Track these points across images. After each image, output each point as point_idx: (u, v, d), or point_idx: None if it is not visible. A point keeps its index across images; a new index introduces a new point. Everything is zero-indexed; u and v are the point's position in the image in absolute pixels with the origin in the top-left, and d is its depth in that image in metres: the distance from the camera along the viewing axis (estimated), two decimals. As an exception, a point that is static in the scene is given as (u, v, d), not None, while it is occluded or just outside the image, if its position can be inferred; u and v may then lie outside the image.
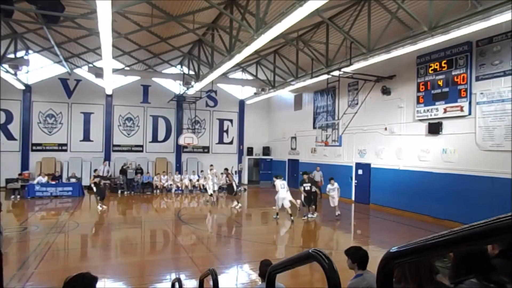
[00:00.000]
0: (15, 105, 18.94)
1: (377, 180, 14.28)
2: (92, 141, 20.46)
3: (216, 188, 16.27)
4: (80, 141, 20.24)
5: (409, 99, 12.71)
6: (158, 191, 18.71)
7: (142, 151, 21.42)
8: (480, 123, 10.23)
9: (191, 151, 22.15)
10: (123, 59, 18.16)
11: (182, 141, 20.35)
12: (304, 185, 11.98)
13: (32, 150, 19.28)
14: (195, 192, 19.10)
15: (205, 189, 16.58)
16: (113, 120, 20.87)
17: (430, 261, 1.99)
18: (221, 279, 4.46)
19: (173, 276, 6.45)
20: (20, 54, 16.02)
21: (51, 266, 7.11)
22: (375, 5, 10.70)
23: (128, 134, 21.26)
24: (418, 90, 12.16)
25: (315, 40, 13.87)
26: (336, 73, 13.31)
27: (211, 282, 3.39)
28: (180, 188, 19.06)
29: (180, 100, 21.41)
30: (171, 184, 19.02)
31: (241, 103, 23.79)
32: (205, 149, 22.81)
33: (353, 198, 15.59)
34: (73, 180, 17.38)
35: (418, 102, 12.20)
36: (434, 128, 11.58)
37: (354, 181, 15.62)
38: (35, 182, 16.27)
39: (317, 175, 15.51)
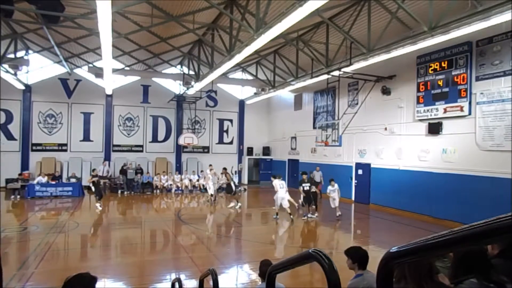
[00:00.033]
0: (15, 105, 18.95)
1: (377, 180, 14.28)
2: (92, 141, 20.46)
3: (216, 187, 16.28)
4: (80, 141, 20.25)
5: (409, 99, 12.71)
6: (158, 191, 18.71)
7: (142, 151, 21.42)
8: (480, 123, 10.23)
9: (191, 151, 22.15)
10: (123, 59, 18.17)
11: (182, 141, 20.35)
12: (303, 185, 11.99)
13: (32, 150, 19.29)
14: (195, 192, 19.10)
15: (205, 189, 16.60)
16: (113, 120, 20.87)
17: (430, 261, 1.99)
18: (221, 279, 4.46)
19: (173, 276, 6.45)
20: (20, 54, 16.03)
21: (51, 266, 7.10)
22: (375, 5, 10.70)
23: (128, 134, 21.26)
24: (418, 90, 12.16)
25: (315, 40, 13.87)
26: (336, 73, 13.31)
27: (211, 282, 3.39)
28: (180, 188, 19.07)
29: (180, 100, 21.41)
30: (171, 184, 19.02)
31: (241, 103, 23.79)
32: (205, 149, 22.81)
33: (353, 198, 15.59)
34: (73, 180, 17.38)
35: (418, 102, 12.21)
36: (434, 128, 11.58)
37: (354, 181, 15.62)
38: (35, 182, 16.27)
39: (317, 175, 15.51)
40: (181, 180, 19.51)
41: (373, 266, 2.17)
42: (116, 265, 7.48)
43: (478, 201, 9.92)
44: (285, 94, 20.92)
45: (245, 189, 20.48)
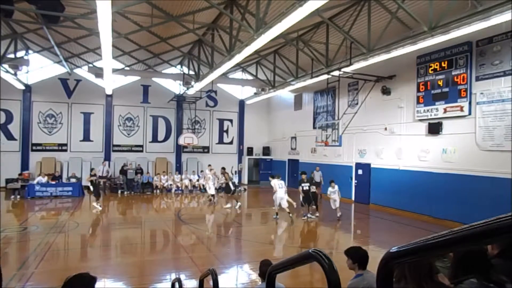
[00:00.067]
0: (15, 105, 18.95)
1: (377, 180, 14.28)
2: (92, 141, 20.47)
3: (216, 187, 16.29)
4: (80, 141, 20.25)
5: (409, 99, 12.71)
6: (158, 191, 18.71)
7: (142, 151, 21.42)
8: (480, 123, 10.23)
9: (191, 151, 22.16)
10: (123, 59, 18.17)
11: (182, 141, 20.35)
12: (303, 184, 12.00)
13: (32, 150, 19.29)
14: (195, 192, 19.10)
15: (205, 189, 16.60)
16: (113, 120, 20.87)
17: (430, 261, 1.99)
18: (221, 279, 4.46)
19: (173, 276, 6.45)
20: (20, 54, 16.03)
21: (51, 266, 7.10)
22: (375, 5, 10.70)
23: (128, 134, 21.27)
24: (418, 90, 12.16)
25: (315, 40, 13.87)
26: (336, 73, 13.31)
27: (211, 282, 3.39)
28: (180, 188, 19.06)
29: (180, 100, 21.41)
30: (171, 184, 19.01)
31: (241, 103, 23.79)
32: (205, 149, 22.81)
33: (353, 198, 15.59)
34: (73, 180, 17.38)
35: (418, 102, 12.21)
36: (434, 128, 11.58)
37: (354, 181, 15.62)
38: (35, 182, 16.27)
39: (317, 175, 15.50)
40: (181, 180, 19.51)
41: (373, 266, 2.17)
42: (116, 265, 7.48)
43: (478, 201, 9.92)
44: (285, 94, 20.92)
45: (245, 189, 20.48)
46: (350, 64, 12.28)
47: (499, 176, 9.52)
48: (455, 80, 10.88)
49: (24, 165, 18.89)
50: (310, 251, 1.59)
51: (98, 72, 15.85)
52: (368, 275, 3.34)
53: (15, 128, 19.03)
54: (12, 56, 14.93)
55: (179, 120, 22.10)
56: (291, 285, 5.48)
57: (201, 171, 20.53)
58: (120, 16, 11.95)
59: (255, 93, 21.32)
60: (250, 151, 23.58)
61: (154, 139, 21.73)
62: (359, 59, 11.83)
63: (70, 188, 16.70)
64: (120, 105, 20.99)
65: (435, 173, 11.54)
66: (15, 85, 17.19)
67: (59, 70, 19.31)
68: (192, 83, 17.31)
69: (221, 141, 23.45)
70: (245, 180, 23.16)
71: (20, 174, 17.30)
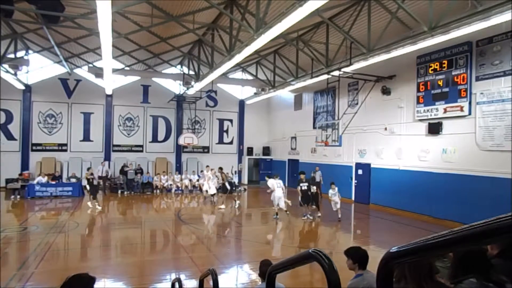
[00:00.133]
0: (15, 105, 18.95)
1: (377, 180, 14.28)
2: (92, 141, 20.47)
3: (217, 186, 16.27)
4: (80, 141, 20.25)
5: (409, 99, 12.71)
6: (158, 191, 18.71)
7: (142, 151, 21.42)
8: (480, 123, 10.23)
9: (191, 151, 22.16)
10: (123, 59, 18.17)
11: (182, 141, 20.36)
12: (301, 184, 12.00)
13: (32, 150, 19.29)
14: (195, 192, 19.09)
15: (201, 190, 16.55)
16: (113, 120, 20.87)
17: (430, 261, 1.99)
18: (221, 279, 4.46)
19: (173, 276, 6.45)
20: (20, 54, 16.03)
21: (51, 266, 7.11)
22: (375, 5, 10.70)
23: (128, 134, 21.27)
24: (418, 90, 12.16)
25: (315, 40, 13.87)
26: (336, 73, 13.31)
27: (211, 282, 3.39)
28: (180, 188, 19.06)
29: (180, 100, 21.41)
30: (171, 184, 19.01)
31: (241, 103, 23.79)
32: (205, 149, 22.81)
33: (353, 198, 15.59)
34: (73, 180, 17.37)
35: (418, 102, 12.21)
36: (434, 128, 11.58)
37: (354, 181, 15.62)
38: (35, 182, 16.27)
39: (317, 175, 15.51)
40: (181, 180, 19.50)
41: (373, 266, 2.17)
42: (116, 265, 7.48)
43: (478, 201, 9.92)
44: (285, 94, 20.92)
45: (245, 189, 20.48)
46: (350, 64, 12.28)
47: (499, 176, 9.52)
48: (455, 80, 10.88)
49: (24, 165, 18.89)
50: (310, 251, 1.59)
51: (98, 72, 15.85)
52: (368, 275, 3.34)
53: (15, 128, 19.04)
54: (12, 56, 14.93)
55: (179, 120, 22.11)
56: (291, 285, 5.48)
57: (201, 171, 20.50)
58: (120, 16, 11.95)
59: (255, 93, 21.32)
60: (250, 151, 23.58)
61: (154, 139, 21.73)
62: (359, 59, 11.83)
63: (70, 188, 16.70)
64: (120, 105, 21.00)
65: (435, 173, 11.54)
66: (15, 85, 17.19)
67: (59, 70, 19.32)
68: (192, 83, 17.31)
69: (221, 141, 23.45)
70: (245, 180, 23.16)
71: (20, 174, 17.30)
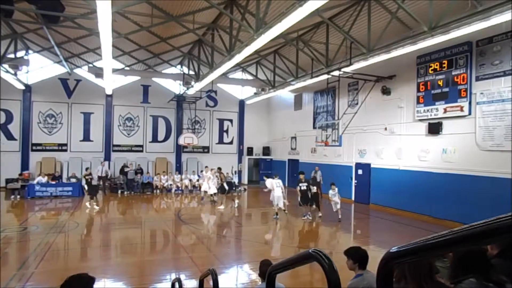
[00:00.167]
0: (15, 105, 18.95)
1: (377, 180, 14.27)
2: (92, 141, 20.47)
3: (217, 186, 16.28)
4: (80, 141, 20.25)
5: (409, 99, 12.71)
6: (158, 191, 18.70)
7: (142, 151, 21.42)
8: (480, 123, 10.23)
9: (191, 151, 22.16)
10: (123, 59, 18.17)
11: (182, 141, 20.36)
12: (300, 184, 12.00)
13: (32, 150, 19.29)
14: (195, 192, 19.08)
15: (199, 190, 16.56)
16: (113, 120, 20.87)
17: (430, 261, 1.99)
18: (221, 279, 4.46)
19: (173, 276, 6.45)
20: (20, 54, 16.03)
21: (51, 266, 7.11)
22: (375, 5, 10.70)
23: (128, 134, 21.27)
24: (418, 90, 12.16)
25: (315, 40, 13.87)
26: (336, 73, 13.31)
27: (211, 282, 3.39)
28: (180, 188, 19.06)
29: (180, 100, 21.41)
30: (171, 184, 19.01)
31: (241, 103, 23.79)
32: (205, 149, 22.81)
33: (353, 198, 15.59)
34: (73, 180, 17.38)
35: (418, 102, 12.21)
36: (434, 128, 11.58)
37: (354, 181, 15.61)
38: (35, 182, 16.27)
39: (317, 175, 15.51)
40: (181, 180, 19.50)
41: (373, 266, 2.17)
42: (116, 265, 7.48)
43: (478, 201, 9.92)
44: (285, 94, 20.92)
45: (245, 189, 20.48)
46: (350, 64, 12.28)
47: (499, 176, 9.52)
48: (455, 80, 10.88)
49: (24, 165, 18.89)
50: (310, 251, 1.59)
51: (98, 72, 15.85)
52: (368, 275, 3.34)
53: (15, 128, 19.03)
54: (12, 56, 14.93)
55: (179, 120, 22.11)
56: (291, 285, 5.48)
57: (201, 171, 20.51)
58: (120, 16, 11.95)
59: (255, 93, 21.32)
60: (250, 151, 23.58)
61: (154, 139, 21.73)
62: (359, 59, 11.83)
63: (70, 188, 16.71)
64: (120, 105, 21.00)
65: (435, 173, 11.54)
66: (15, 85, 17.19)
67: (59, 70, 19.32)
68: (192, 83, 17.31)
69: (221, 141, 23.45)
70: (245, 180, 23.16)
71: (20, 174, 17.31)
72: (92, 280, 2.24)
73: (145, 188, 18.80)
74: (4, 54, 14.48)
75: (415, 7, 10.10)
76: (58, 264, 7.46)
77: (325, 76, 13.98)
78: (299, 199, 12.18)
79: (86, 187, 14.34)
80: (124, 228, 11.16)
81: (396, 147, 13.29)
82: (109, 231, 10.68)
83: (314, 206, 12.27)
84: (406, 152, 12.84)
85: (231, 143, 23.67)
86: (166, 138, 21.98)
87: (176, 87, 21.09)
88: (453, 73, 10.96)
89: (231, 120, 23.62)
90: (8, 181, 16.76)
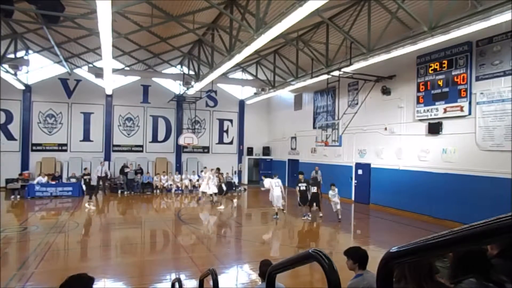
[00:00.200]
0: (15, 105, 18.95)
1: (377, 180, 14.27)
2: (92, 141, 20.46)
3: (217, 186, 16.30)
4: (80, 141, 20.25)
5: (409, 99, 12.71)
6: (158, 191, 18.70)
7: (142, 151, 21.42)
8: (480, 123, 10.23)
9: (191, 151, 22.16)
10: (123, 59, 18.17)
11: (182, 141, 20.35)
12: (300, 185, 12.00)
13: (32, 150, 19.29)
14: (195, 192, 19.06)
15: (198, 190, 16.58)
16: (113, 120, 20.87)
17: (430, 261, 1.99)
18: (221, 279, 4.46)
19: (173, 276, 6.45)
20: (20, 54, 16.03)
21: (51, 266, 7.11)
22: (375, 5, 10.70)
23: (128, 134, 21.26)
24: (418, 90, 12.16)
25: (315, 40, 13.87)
26: (336, 73, 13.31)
27: (211, 282, 3.39)
28: (180, 188, 19.06)
29: (180, 100, 21.41)
30: (171, 184, 19.01)
31: (241, 103, 23.79)
32: (205, 149, 22.81)
33: (353, 198, 15.59)
34: (73, 180, 17.37)
35: (418, 102, 12.21)
36: (434, 128, 11.58)
37: (354, 181, 15.61)
38: (35, 182, 16.27)
39: (318, 175, 15.51)
40: (181, 180, 19.50)
41: (373, 266, 2.17)
42: (116, 265, 7.48)
43: (478, 201, 9.92)
44: (285, 94, 20.91)
45: (245, 189, 20.48)
46: (350, 64, 12.28)
47: (499, 176, 9.52)
48: (455, 80, 10.89)
49: (24, 165, 18.89)
50: (310, 251, 1.59)
51: (98, 72, 15.85)
52: (368, 275, 3.34)
53: (15, 128, 19.03)
54: (12, 56, 14.92)
55: (179, 120, 22.10)
56: (291, 285, 5.48)
57: (201, 171, 20.51)
58: (120, 16, 11.95)
59: (255, 93, 21.32)
60: (250, 151, 23.57)
61: (154, 139, 21.73)
62: (359, 59, 11.83)
63: (70, 188, 16.70)
64: (120, 105, 20.99)
65: (435, 173, 11.54)
66: (15, 85, 17.19)
67: (59, 70, 19.31)
68: (192, 83, 17.31)
69: (221, 141, 23.45)
70: (245, 180, 23.15)
71: (20, 174, 17.31)
72: (91, 280, 2.24)
73: (145, 188, 18.80)
74: (4, 54, 14.48)
75: (415, 7, 10.10)
76: (58, 264, 7.46)
77: (325, 76, 13.98)
78: (298, 199, 12.18)
79: (84, 187, 14.39)
80: (124, 228, 11.17)
81: (396, 147, 13.29)
82: (109, 231, 10.68)
83: (315, 207, 12.22)
84: (406, 152, 12.84)
85: (231, 143, 23.66)
86: (166, 138, 21.98)
87: (176, 87, 21.09)
88: (453, 73, 10.96)
89: (231, 120, 23.62)
90: (8, 181, 16.76)
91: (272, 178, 12.62)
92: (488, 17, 7.97)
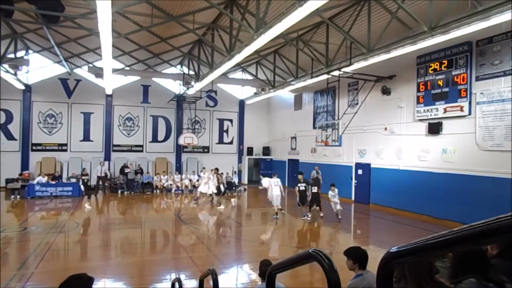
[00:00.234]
0: (15, 105, 18.95)
1: (377, 180, 14.27)
2: (92, 141, 20.46)
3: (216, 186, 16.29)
4: (80, 141, 20.25)
5: (409, 99, 12.71)
6: (158, 191, 18.70)
7: (142, 151, 21.42)
8: (480, 123, 10.23)
9: (191, 151, 22.16)
10: (123, 59, 18.17)
11: (182, 141, 20.36)
12: (299, 185, 12.00)
13: (32, 150, 19.29)
14: (195, 192, 19.05)
15: (196, 190, 16.60)
16: (113, 120, 20.87)
17: (430, 261, 1.99)
18: (221, 279, 4.46)
19: (173, 276, 6.45)
20: (20, 54, 16.03)
21: (51, 266, 7.11)
22: (375, 5, 10.70)
23: (128, 134, 21.26)
24: (418, 90, 12.16)
25: (315, 40, 13.87)
26: (336, 73, 13.31)
27: (211, 282, 3.39)
28: (180, 188, 19.06)
29: (180, 100, 21.41)
30: (171, 184, 19.01)
31: (241, 103, 23.79)
32: (205, 149, 22.81)
33: (353, 198, 15.59)
34: (73, 180, 17.36)
35: (418, 102, 12.21)
36: (434, 128, 11.58)
37: (354, 181, 15.61)
38: (35, 182, 16.27)
39: (319, 176, 15.49)
40: (181, 180, 19.50)
41: (373, 266, 2.17)
42: (116, 265, 7.48)
43: (478, 201, 9.92)
44: (285, 94, 20.91)
45: (245, 189, 20.48)
46: (350, 64, 12.28)
47: (499, 176, 9.52)
48: (455, 80, 10.89)
49: (24, 165, 18.88)
50: (310, 251, 1.59)
51: (98, 72, 15.85)
52: (368, 275, 3.34)
53: (15, 128, 19.03)
54: (12, 56, 14.92)
55: (179, 120, 22.10)
56: (291, 285, 5.48)
57: (201, 171, 20.50)
58: (120, 16, 11.95)
59: (255, 93, 21.32)
60: (250, 151, 23.57)
61: (154, 139, 21.73)
62: (359, 59, 11.83)
63: (70, 188, 16.70)
64: (120, 105, 20.99)
65: (435, 173, 11.54)
66: (15, 85, 17.19)
67: (59, 70, 19.31)
68: (192, 83, 17.31)
69: (221, 141, 23.45)
70: (245, 180, 23.15)
71: (20, 174, 17.31)
72: (91, 280, 2.24)
73: (145, 188, 18.79)
74: (4, 54, 14.48)
75: (415, 7, 10.10)
76: (58, 264, 7.46)
77: (325, 76, 13.98)
78: (297, 199, 12.18)
79: (82, 187, 14.41)
80: (124, 228, 11.17)
81: (396, 147, 13.29)
82: (109, 231, 10.68)
83: (316, 207, 12.19)
84: (406, 152, 12.84)
85: (231, 143, 23.66)
86: (166, 138, 21.98)
87: (176, 87, 21.09)
88: (453, 73, 10.96)
89: (231, 120, 23.62)
90: (8, 181, 16.76)
91: (270, 177, 12.62)
92: (488, 17, 7.97)
